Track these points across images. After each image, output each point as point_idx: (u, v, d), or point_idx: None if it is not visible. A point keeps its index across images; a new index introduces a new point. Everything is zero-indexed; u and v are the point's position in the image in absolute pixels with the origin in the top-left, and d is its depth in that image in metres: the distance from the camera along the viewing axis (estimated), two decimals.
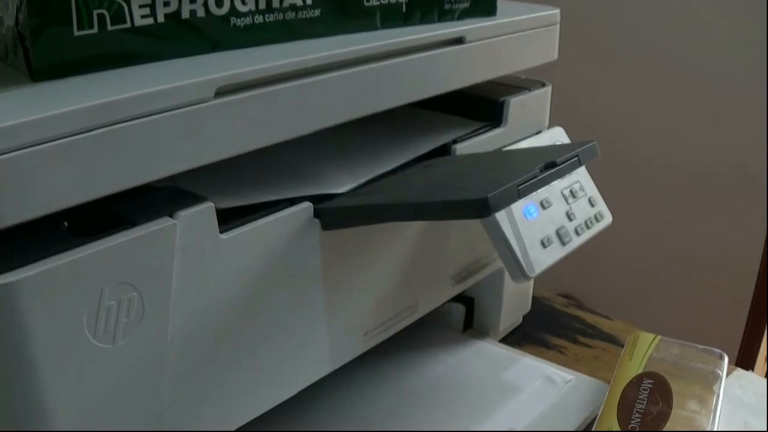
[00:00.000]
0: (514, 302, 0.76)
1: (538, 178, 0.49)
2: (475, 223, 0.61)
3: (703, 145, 1.59)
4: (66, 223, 0.42)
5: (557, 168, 0.51)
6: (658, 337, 0.70)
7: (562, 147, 0.60)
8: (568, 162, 0.53)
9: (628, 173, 1.73)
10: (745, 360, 1.61)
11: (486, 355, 0.72)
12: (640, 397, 0.62)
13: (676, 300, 1.72)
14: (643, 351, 0.68)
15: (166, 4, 0.46)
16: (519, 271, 0.59)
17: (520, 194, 0.47)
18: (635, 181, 1.74)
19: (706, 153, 1.59)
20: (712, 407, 0.62)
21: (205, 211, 0.45)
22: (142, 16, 0.45)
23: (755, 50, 1.51)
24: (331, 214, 0.50)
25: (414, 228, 0.60)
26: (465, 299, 0.75)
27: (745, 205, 1.58)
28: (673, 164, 1.65)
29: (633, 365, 0.66)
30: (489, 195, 0.44)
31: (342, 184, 0.54)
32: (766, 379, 0.72)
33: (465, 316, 0.75)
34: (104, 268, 0.41)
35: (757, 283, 1.59)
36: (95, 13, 0.43)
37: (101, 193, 0.41)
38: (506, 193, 0.46)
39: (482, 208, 0.44)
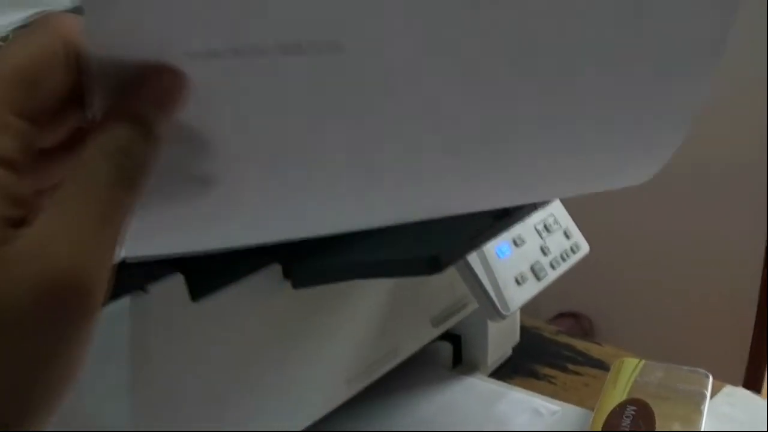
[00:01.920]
0: (501, 335, 0.78)
1: (489, 230, 0.51)
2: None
3: (700, 160, 1.60)
4: None
5: (510, 217, 0.53)
6: (642, 361, 0.72)
7: None
8: (522, 210, 0.55)
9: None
10: (752, 380, 1.60)
11: (474, 392, 0.73)
12: (623, 424, 0.64)
13: (676, 319, 1.72)
14: (627, 376, 0.70)
15: None
16: (494, 311, 0.61)
17: (473, 247, 0.49)
18: (632, 195, 1.74)
19: (704, 166, 1.59)
20: (699, 429, 0.63)
21: (175, 282, 0.47)
22: None
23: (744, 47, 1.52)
24: (300, 274, 0.52)
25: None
26: (452, 337, 0.76)
27: (748, 217, 1.58)
28: (673, 178, 1.66)
29: (617, 392, 0.68)
30: (439, 253, 0.46)
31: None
32: (753, 394, 0.73)
33: (453, 353, 0.77)
34: None
35: (759, 301, 1.59)
36: None
37: None
38: (457, 248, 0.48)
39: (433, 266, 0.46)
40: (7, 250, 0.23)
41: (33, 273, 0.22)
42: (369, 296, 0.61)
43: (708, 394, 0.67)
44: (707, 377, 0.69)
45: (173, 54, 0.25)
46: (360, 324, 0.61)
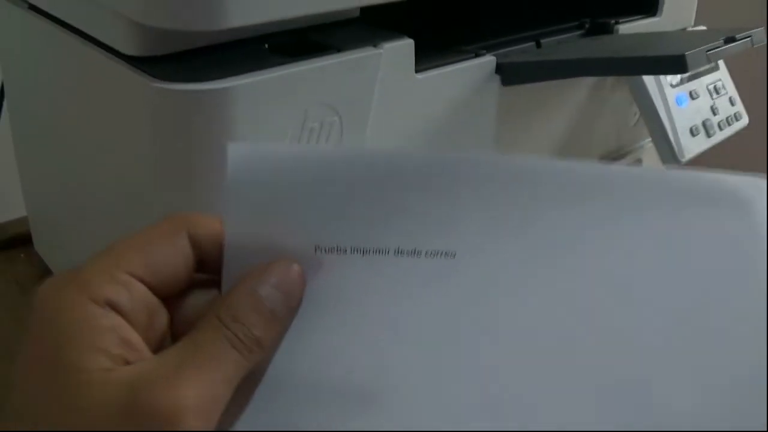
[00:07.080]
0: None
1: (722, 48, 0.50)
2: (628, 109, 0.62)
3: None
4: (267, 46, 0.44)
5: (736, 42, 0.52)
6: None
7: (719, 32, 0.60)
8: (744, 40, 0.54)
9: None
10: None
11: None
12: None
13: None
14: None
15: None
16: (671, 155, 0.60)
17: (709, 60, 0.48)
18: None
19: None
20: None
21: (406, 47, 0.46)
22: None
23: None
24: (512, 68, 0.52)
25: (571, 105, 0.61)
26: None
27: None
28: None
29: None
30: (686, 53, 0.45)
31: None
32: None
33: None
34: (310, 88, 0.43)
35: None
36: None
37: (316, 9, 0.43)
38: (699, 54, 0.47)
39: (680, 64, 0.45)
40: (108, 375, 0.25)
41: (124, 396, 0.25)
42: (551, 123, 0.61)
43: None
44: None
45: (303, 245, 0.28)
46: (539, 142, 0.61)
